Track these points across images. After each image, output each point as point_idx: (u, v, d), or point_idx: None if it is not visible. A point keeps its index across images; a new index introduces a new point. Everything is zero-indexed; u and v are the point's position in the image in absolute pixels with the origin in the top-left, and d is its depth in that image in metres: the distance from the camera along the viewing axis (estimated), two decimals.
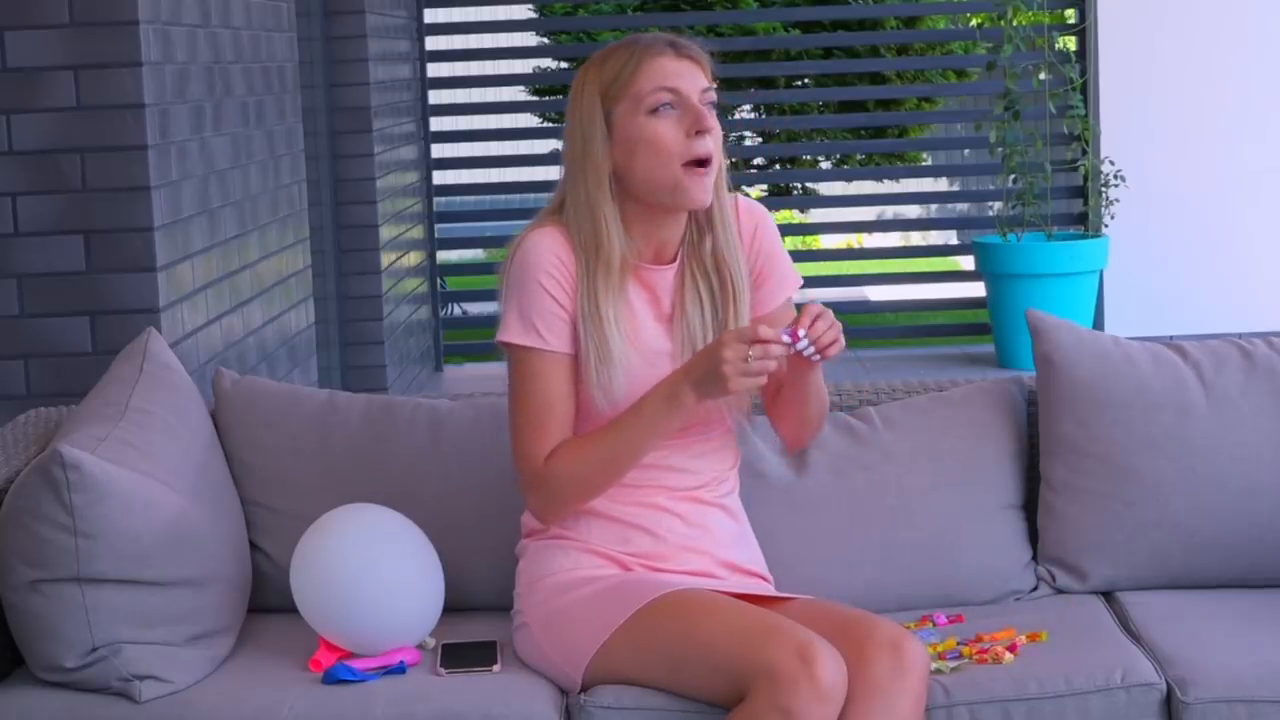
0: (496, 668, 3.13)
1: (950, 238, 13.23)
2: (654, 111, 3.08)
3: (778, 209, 12.25)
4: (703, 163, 3.09)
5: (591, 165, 3.11)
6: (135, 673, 3.01)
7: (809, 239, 12.97)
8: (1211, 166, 9.08)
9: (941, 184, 14.21)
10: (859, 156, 12.00)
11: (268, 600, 3.43)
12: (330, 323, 7.46)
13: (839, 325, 3.04)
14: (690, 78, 3.10)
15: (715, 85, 3.14)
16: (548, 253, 3.11)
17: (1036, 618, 3.32)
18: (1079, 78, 8.83)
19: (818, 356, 3.04)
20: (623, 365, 3.10)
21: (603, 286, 3.10)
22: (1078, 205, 9.19)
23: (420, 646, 3.23)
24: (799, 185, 12.62)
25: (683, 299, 3.17)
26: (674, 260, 3.20)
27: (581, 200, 3.12)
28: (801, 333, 3.00)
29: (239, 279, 5.21)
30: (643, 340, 3.14)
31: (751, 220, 3.28)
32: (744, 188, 11.34)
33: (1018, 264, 8.62)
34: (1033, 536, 3.55)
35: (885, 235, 13.89)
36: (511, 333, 3.12)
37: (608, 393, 3.09)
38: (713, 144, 3.10)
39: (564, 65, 12.07)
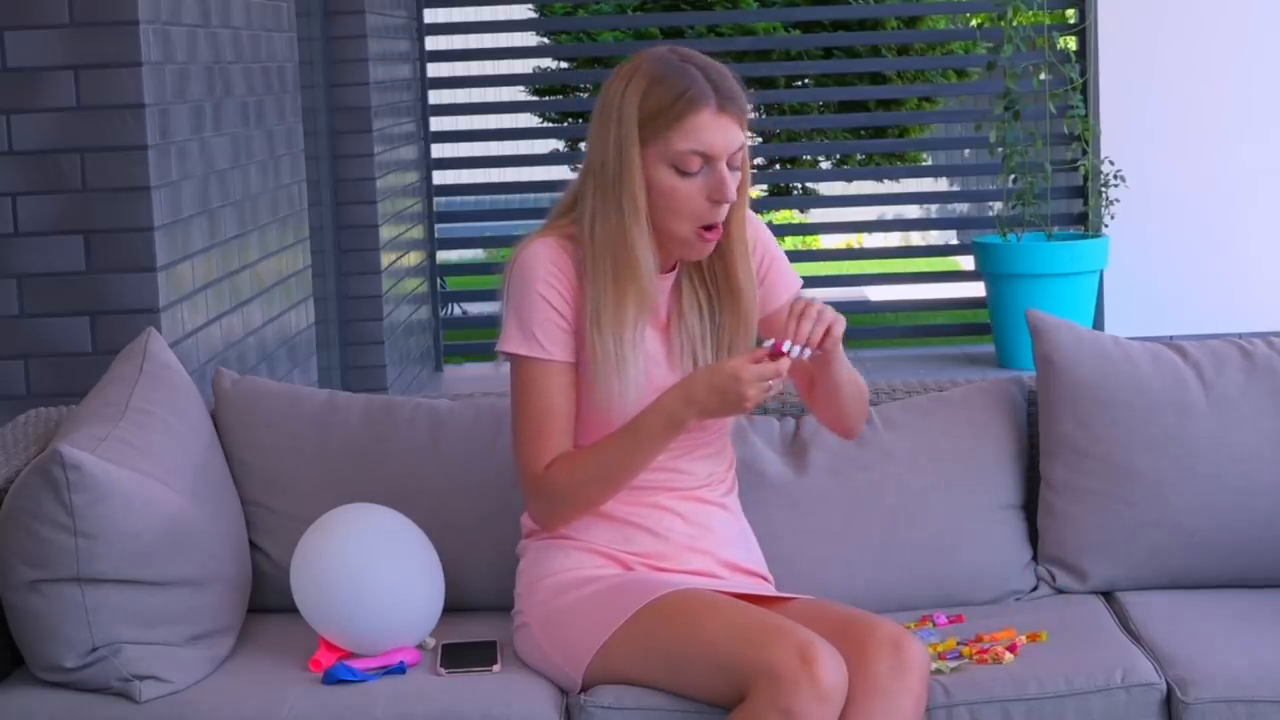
0: (496, 668, 3.12)
1: (950, 238, 13.21)
2: (682, 172, 3.05)
3: (778, 209, 12.25)
4: (713, 228, 3.08)
5: (629, 196, 3.05)
6: (135, 673, 3.00)
7: (809, 239, 12.95)
8: (1211, 166, 9.07)
9: (941, 184, 14.19)
10: (859, 156, 11.99)
11: (268, 600, 3.43)
12: (330, 323, 7.44)
13: (828, 314, 3.01)
14: (726, 137, 3.05)
15: (749, 136, 3.11)
16: (547, 263, 3.10)
17: (1036, 618, 3.32)
18: (1079, 78, 8.82)
19: (817, 353, 3.03)
20: (629, 374, 3.09)
21: (633, 309, 3.08)
22: (1078, 205, 9.18)
23: (420, 646, 3.22)
24: (799, 185, 12.60)
25: (680, 306, 3.17)
26: (672, 269, 3.19)
27: (612, 228, 3.07)
28: (787, 344, 2.99)
29: (239, 279, 5.20)
30: (642, 348, 3.13)
31: (751, 228, 3.25)
32: None
33: (1018, 264, 8.61)
34: (1033, 536, 3.54)
35: (885, 235, 13.86)
36: (512, 342, 3.12)
37: (611, 401, 3.08)
38: (727, 209, 3.08)
39: (564, 65, 12.06)
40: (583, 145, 3.13)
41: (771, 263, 3.27)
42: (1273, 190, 9.08)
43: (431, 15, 9.54)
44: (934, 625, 3.33)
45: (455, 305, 10.26)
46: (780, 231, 10.63)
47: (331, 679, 3.06)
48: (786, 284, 3.28)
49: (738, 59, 10.82)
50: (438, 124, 9.59)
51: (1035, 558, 3.53)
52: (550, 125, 12.01)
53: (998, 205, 9.20)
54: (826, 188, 13.32)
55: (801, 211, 13.34)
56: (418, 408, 3.56)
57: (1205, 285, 9.05)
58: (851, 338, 9.41)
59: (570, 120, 11.76)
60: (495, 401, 3.55)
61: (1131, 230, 8.97)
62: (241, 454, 3.52)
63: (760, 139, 12.15)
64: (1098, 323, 8.98)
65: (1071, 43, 9.17)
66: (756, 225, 3.27)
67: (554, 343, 3.10)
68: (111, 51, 4.31)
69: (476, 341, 9.74)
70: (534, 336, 3.10)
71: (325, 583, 3.13)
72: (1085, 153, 8.93)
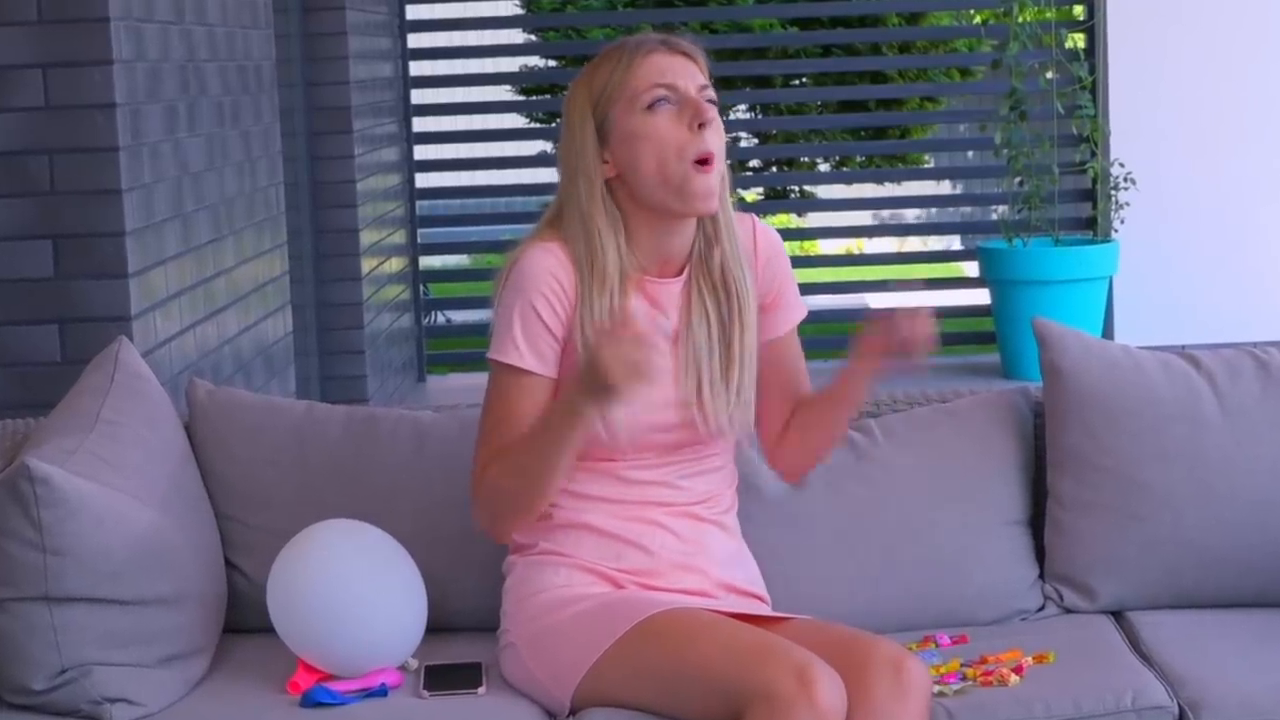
0: (481, 690, 3.10)
1: (953, 243, 13.22)
2: (651, 107, 3.06)
3: (775, 212, 12.22)
4: (706, 160, 3.05)
5: (584, 176, 3.09)
6: (106, 695, 2.98)
7: (807, 244, 12.90)
8: (1226, 168, 9.04)
9: (944, 187, 14.23)
10: (859, 158, 11.96)
11: (244, 620, 3.40)
12: (309, 331, 7.44)
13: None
14: (685, 74, 3.08)
15: (711, 85, 3.12)
16: (545, 273, 3.08)
17: (1043, 638, 3.30)
18: (1088, 76, 8.81)
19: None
20: None
21: (598, 302, 3.06)
22: (1086, 209, 9.18)
23: (402, 668, 3.19)
24: (796, 188, 12.60)
25: (689, 316, 3.14)
26: (680, 273, 3.16)
27: (575, 213, 3.11)
28: None
29: (214, 286, 5.19)
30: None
31: (769, 245, 3.26)
32: (739, 190, 11.29)
33: (1024, 270, 8.58)
34: (1039, 554, 3.52)
35: (886, 240, 13.85)
36: (501, 350, 3.10)
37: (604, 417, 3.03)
38: (715, 141, 3.07)
39: (552, 63, 12.04)
40: None
41: (783, 288, 3.27)
42: None
43: (414, 11, 9.52)
44: (937, 646, 3.31)
45: (439, 313, 10.24)
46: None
47: (310, 702, 3.03)
48: (794, 312, 3.29)
49: (733, 57, 10.77)
50: (421, 125, 9.58)
51: (1042, 575, 3.51)
52: (538, 126, 12.00)
53: (1003, 209, 9.18)
54: (825, 191, 13.30)
55: (799, 215, 13.36)
56: (400, 419, 3.55)
57: (1219, 292, 9.02)
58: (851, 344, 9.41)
59: (559, 121, 11.69)
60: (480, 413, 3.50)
61: (1142, 235, 8.94)
62: (217, 467, 3.51)
63: (756, 140, 12.12)
64: (1107, 331, 8.97)
65: (1080, 40, 9.16)
66: (774, 240, 3.27)
67: (536, 355, 3.08)
68: (81, 49, 4.28)
69: (461, 351, 9.70)
70: (518, 346, 3.08)
71: (303, 602, 3.10)
72: (1094, 154, 8.91)
